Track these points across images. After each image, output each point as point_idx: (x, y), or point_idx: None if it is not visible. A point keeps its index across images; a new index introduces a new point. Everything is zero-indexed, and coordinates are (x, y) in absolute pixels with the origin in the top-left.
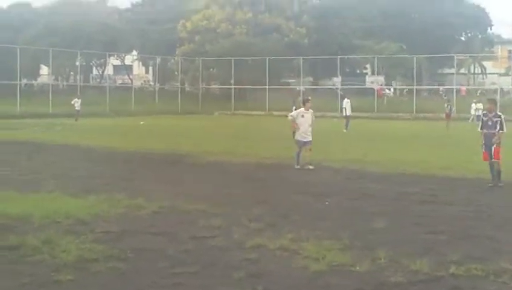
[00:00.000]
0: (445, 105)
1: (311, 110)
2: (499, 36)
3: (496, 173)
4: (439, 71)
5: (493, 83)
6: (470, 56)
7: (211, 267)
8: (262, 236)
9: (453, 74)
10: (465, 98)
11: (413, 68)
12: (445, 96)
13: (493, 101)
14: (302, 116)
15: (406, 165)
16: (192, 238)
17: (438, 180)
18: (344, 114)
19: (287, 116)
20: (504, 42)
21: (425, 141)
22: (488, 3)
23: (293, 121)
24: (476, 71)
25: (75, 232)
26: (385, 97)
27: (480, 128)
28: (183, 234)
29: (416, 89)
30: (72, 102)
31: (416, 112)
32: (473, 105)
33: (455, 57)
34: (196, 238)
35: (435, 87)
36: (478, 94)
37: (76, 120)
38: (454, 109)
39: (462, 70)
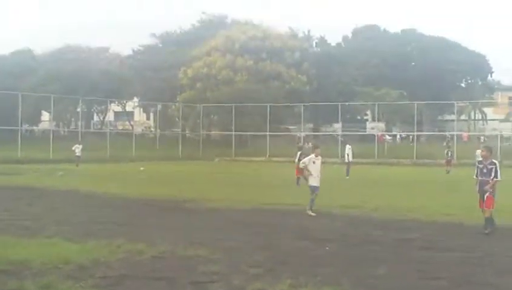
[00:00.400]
0: (446, 151)
1: (320, 157)
2: (499, 82)
3: (485, 221)
4: (440, 118)
5: (494, 129)
6: (470, 103)
7: None
8: (261, 281)
9: (453, 120)
10: (466, 143)
11: (414, 115)
12: (448, 142)
13: (489, 149)
14: (314, 162)
15: (407, 211)
16: (192, 283)
17: (438, 226)
18: (346, 160)
19: (294, 161)
20: (504, 89)
21: (425, 187)
22: (488, 50)
23: (305, 167)
24: (476, 117)
25: (75, 277)
26: (386, 143)
27: (476, 176)
28: (183, 279)
29: (416, 135)
30: (73, 148)
31: (416, 157)
32: (478, 151)
33: (455, 104)
34: (196, 284)
35: (436, 133)
36: (482, 141)
37: (77, 166)
38: (454, 155)
39: (463, 117)
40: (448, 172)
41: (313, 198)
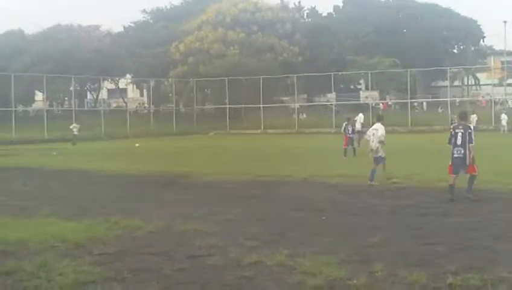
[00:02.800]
0: (450, 119)
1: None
2: (491, 47)
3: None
4: (433, 84)
5: (487, 94)
6: (463, 68)
7: (208, 286)
8: (259, 253)
9: (446, 86)
10: (484, 108)
11: (407, 82)
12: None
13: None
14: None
15: (402, 178)
16: (189, 257)
17: (435, 193)
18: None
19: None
20: (497, 53)
21: (421, 154)
22: (480, 15)
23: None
24: (469, 83)
25: (72, 255)
26: (380, 111)
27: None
28: (180, 253)
29: (410, 103)
30: (71, 126)
31: (411, 125)
32: (504, 116)
33: (448, 70)
34: (193, 257)
35: (430, 100)
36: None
37: (74, 144)
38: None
39: (456, 83)
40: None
41: (374, 168)
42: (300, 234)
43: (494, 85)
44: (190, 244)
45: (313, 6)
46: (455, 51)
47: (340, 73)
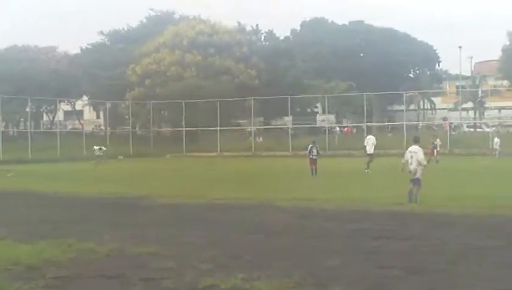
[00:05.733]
0: (432, 141)
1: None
2: (446, 72)
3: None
4: (389, 108)
5: (443, 118)
6: (419, 92)
7: None
8: (214, 277)
9: (402, 110)
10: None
11: (364, 106)
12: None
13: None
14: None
15: (358, 201)
16: (143, 280)
17: (390, 216)
18: (368, 152)
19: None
20: (452, 78)
21: (376, 177)
22: (436, 40)
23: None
24: (425, 107)
25: (25, 278)
26: (336, 135)
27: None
28: (135, 276)
29: (366, 126)
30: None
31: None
32: (496, 139)
33: (404, 94)
34: (148, 280)
35: (386, 124)
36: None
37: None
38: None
39: (412, 107)
40: (437, 161)
41: (412, 189)
42: (255, 258)
43: (450, 109)
44: (145, 267)
45: (271, 29)
46: (411, 75)
47: (297, 96)
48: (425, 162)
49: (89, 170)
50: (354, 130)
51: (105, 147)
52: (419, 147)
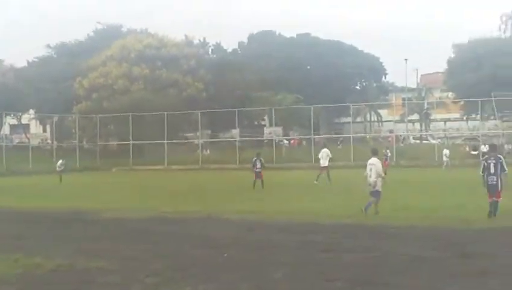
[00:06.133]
0: (384, 152)
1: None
2: (393, 84)
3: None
4: (336, 120)
5: (390, 130)
6: (365, 105)
7: None
8: None
9: (349, 122)
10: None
11: (311, 118)
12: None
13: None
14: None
15: (308, 214)
16: None
17: (339, 228)
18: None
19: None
20: (398, 90)
21: (324, 189)
22: (382, 53)
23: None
24: (372, 119)
25: None
26: (283, 148)
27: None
28: None
29: (314, 139)
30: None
31: (314, 161)
32: (445, 151)
33: (351, 106)
34: None
35: (333, 136)
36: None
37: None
38: (389, 156)
39: (359, 119)
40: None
41: (371, 202)
42: (202, 271)
43: (396, 121)
44: (92, 282)
45: (218, 42)
46: (358, 87)
47: (244, 109)
48: (383, 174)
49: (32, 184)
50: (304, 143)
51: (63, 160)
52: (377, 159)
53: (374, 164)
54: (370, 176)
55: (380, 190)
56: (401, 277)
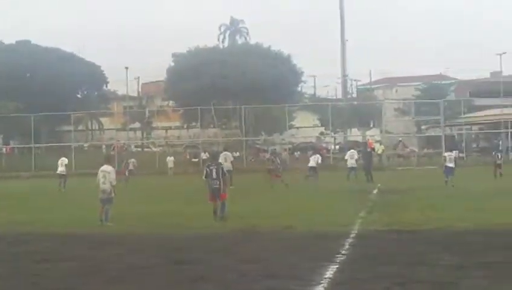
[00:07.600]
0: (267, 159)
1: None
2: (114, 92)
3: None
4: (58, 129)
5: (111, 138)
6: (86, 113)
7: None
8: None
9: (71, 130)
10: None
11: (31, 127)
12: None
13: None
14: None
15: (25, 224)
16: None
17: (61, 238)
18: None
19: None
20: (120, 98)
21: (44, 199)
22: (104, 61)
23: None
24: (93, 127)
25: None
26: (3, 157)
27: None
28: None
29: (34, 147)
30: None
31: (35, 169)
32: (169, 158)
33: (72, 115)
34: None
35: (54, 144)
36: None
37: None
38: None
39: (80, 127)
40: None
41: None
42: None
43: (118, 130)
44: None
45: None
46: (79, 95)
47: None
48: (115, 182)
49: None
50: (15, 150)
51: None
52: (111, 166)
53: (109, 172)
54: (104, 183)
55: (112, 196)
56: (118, 286)
